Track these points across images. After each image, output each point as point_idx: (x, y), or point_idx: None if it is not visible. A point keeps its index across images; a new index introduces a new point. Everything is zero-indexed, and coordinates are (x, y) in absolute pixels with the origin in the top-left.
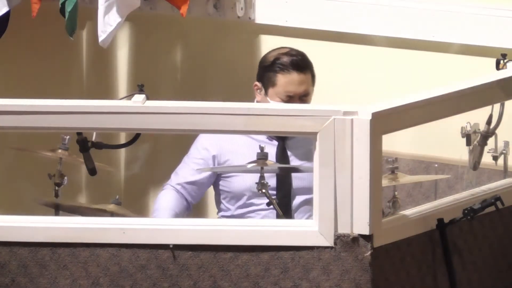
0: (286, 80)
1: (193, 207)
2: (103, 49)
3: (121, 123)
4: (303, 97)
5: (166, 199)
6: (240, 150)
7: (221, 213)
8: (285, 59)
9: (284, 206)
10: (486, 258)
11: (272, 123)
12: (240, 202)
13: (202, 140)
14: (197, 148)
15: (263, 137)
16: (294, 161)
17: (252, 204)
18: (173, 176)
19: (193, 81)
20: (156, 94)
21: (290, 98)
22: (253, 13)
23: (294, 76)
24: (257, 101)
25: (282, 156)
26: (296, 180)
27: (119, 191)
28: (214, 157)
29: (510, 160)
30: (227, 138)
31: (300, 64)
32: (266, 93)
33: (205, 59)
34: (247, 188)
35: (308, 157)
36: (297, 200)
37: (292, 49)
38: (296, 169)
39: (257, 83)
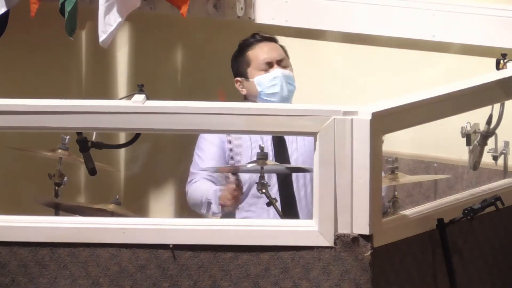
0: (257, 52)
1: None
2: (103, 49)
3: (121, 123)
4: (282, 65)
5: (205, 186)
6: (242, 151)
7: None
8: (249, 40)
9: (288, 198)
10: (486, 258)
11: (272, 123)
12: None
13: (210, 136)
14: (210, 143)
15: None
16: (291, 148)
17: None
18: (193, 175)
19: (193, 81)
20: (156, 94)
21: (270, 67)
22: (253, 13)
23: (263, 45)
24: (244, 96)
25: (278, 143)
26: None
27: (119, 191)
28: (229, 152)
29: (510, 160)
30: (233, 138)
31: (264, 36)
32: (247, 78)
33: (205, 59)
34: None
35: (305, 141)
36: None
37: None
38: (299, 169)
39: (236, 78)
